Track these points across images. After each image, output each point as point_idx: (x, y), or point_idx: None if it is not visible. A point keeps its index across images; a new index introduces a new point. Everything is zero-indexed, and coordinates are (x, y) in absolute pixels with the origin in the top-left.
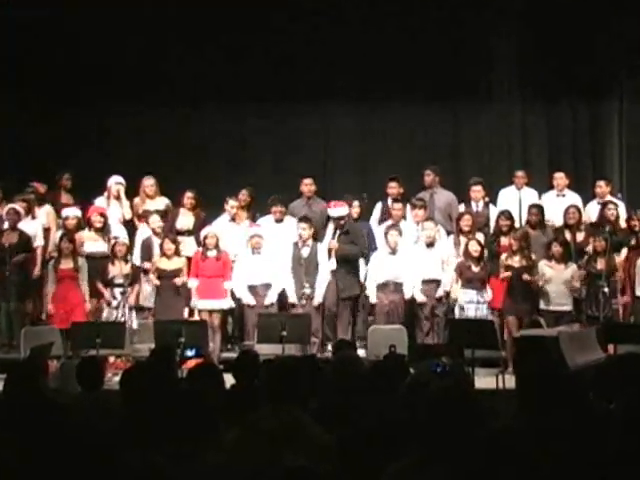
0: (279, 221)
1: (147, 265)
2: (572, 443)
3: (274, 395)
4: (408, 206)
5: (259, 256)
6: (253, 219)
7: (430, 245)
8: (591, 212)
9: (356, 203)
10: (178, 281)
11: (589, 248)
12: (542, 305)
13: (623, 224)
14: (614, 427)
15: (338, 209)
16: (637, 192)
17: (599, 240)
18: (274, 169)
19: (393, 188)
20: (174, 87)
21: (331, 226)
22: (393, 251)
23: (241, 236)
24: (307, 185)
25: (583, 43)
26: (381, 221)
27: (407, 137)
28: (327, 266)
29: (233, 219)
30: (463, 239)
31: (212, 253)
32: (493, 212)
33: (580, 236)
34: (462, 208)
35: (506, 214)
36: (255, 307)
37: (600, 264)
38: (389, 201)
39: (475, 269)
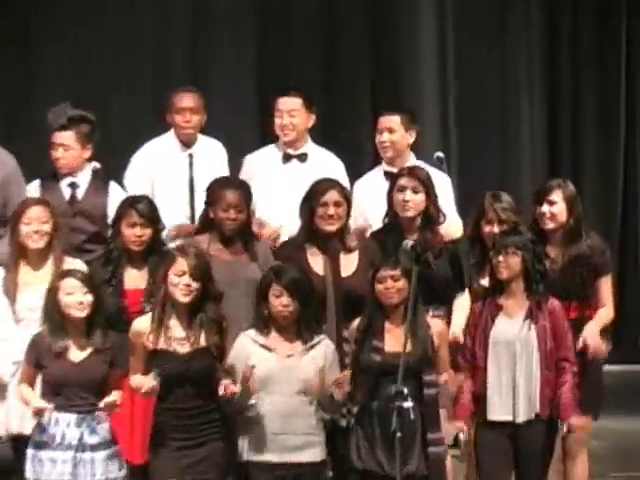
0: None
1: None
2: None
3: None
4: None
5: None
6: None
7: None
8: (372, 198)
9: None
10: None
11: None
12: (249, 454)
13: (455, 232)
14: None
15: None
16: (477, 146)
17: (391, 272)
18: None
19: None
20: None
21: None
22: None
23: None
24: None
25: None
26: None
27: None
28: None
29: None
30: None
31: None
32: None
33: (348, 267)
34: None
35: None
36: None
37: (393, 342)
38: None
39: None
